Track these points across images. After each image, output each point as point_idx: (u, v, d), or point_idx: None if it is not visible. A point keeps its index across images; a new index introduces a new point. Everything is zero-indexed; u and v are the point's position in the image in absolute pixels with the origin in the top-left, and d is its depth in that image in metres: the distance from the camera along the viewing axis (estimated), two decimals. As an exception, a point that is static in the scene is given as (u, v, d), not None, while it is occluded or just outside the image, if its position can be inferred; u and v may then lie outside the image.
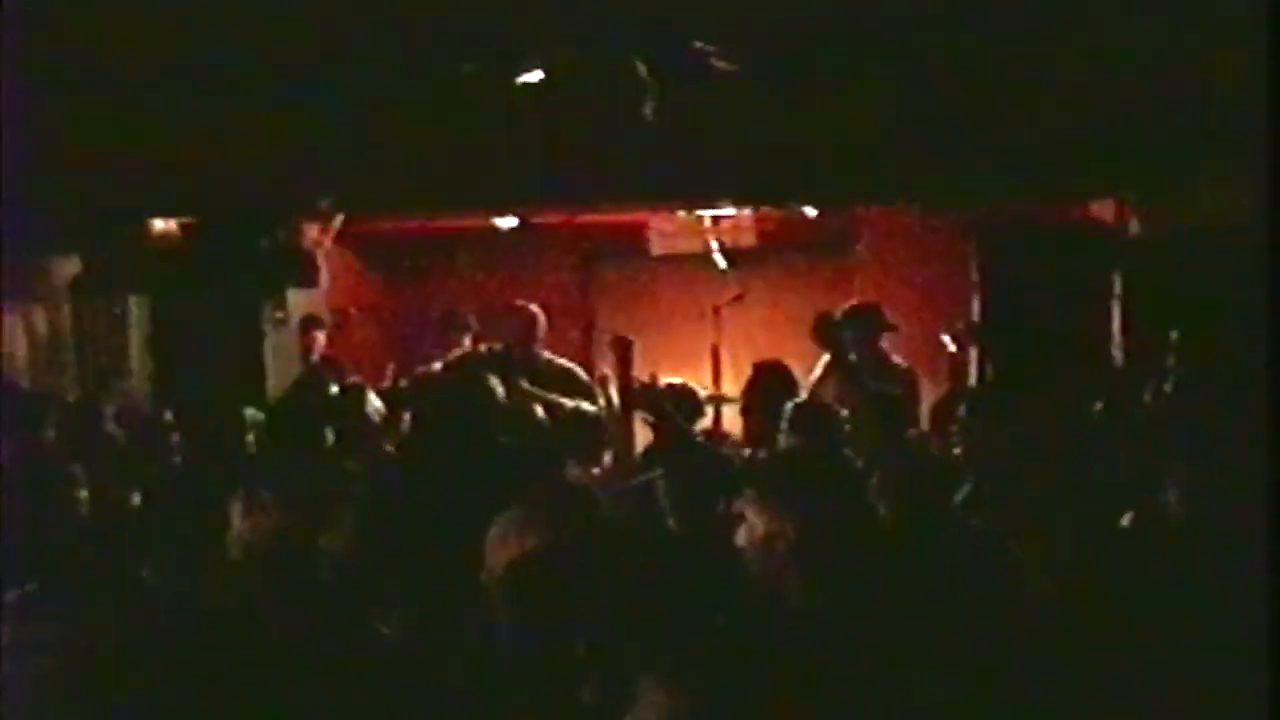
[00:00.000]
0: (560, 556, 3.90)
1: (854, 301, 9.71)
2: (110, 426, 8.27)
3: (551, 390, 9.06)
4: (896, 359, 9.24)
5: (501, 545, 4.04)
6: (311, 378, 10.20)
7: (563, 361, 9.75)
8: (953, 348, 9.92)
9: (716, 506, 5.15)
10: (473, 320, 10.40)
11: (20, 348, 10.34)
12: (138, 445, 7.97)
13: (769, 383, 7.71)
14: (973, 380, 9.94)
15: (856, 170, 9.43)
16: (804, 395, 8.38)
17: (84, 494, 5.90)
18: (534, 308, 9.73)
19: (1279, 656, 3.52)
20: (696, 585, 3.83)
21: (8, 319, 10.20)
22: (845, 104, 9.21)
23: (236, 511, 4.98)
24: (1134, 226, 9.74)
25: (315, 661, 4.06)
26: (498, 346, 9.72)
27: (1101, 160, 9.10)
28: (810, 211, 10.79)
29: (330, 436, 7.61)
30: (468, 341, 10.26)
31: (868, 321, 9.25)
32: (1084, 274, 9.85)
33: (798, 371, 9.05)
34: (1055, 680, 3.88)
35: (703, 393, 8.82)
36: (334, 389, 9.28)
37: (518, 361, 9.33)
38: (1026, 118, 9.10)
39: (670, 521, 5.10)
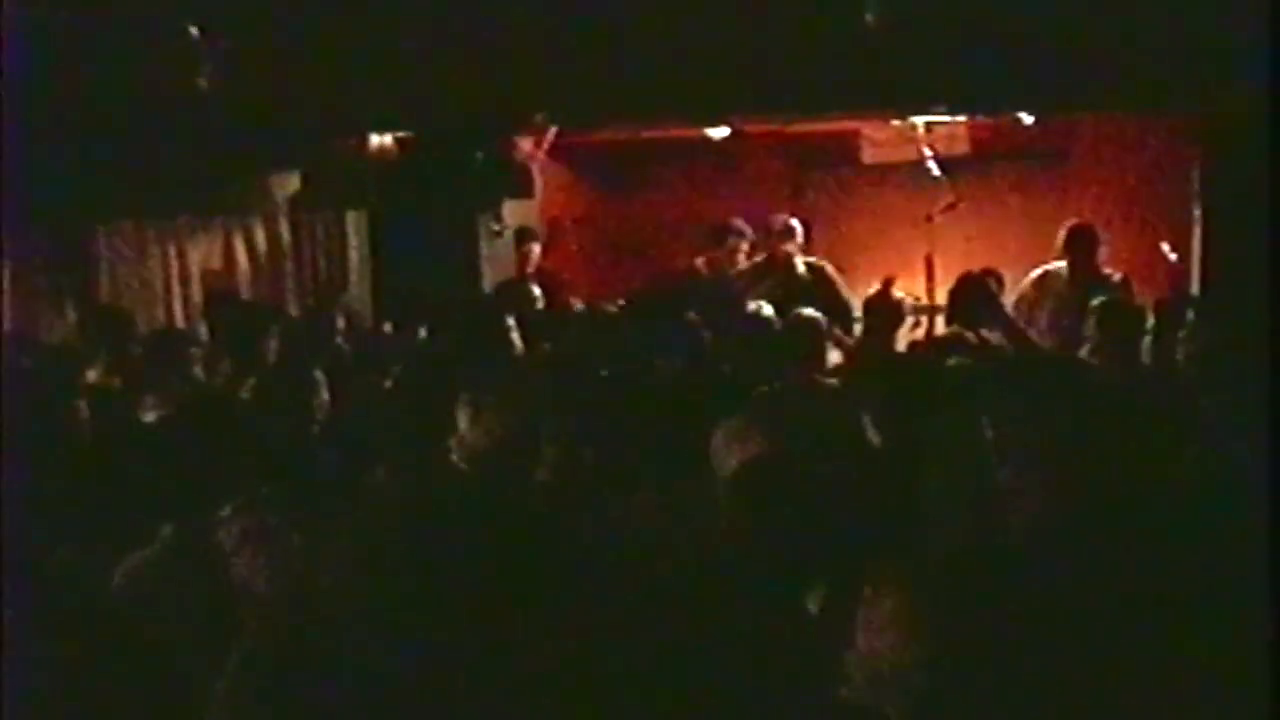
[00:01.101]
0: (785, 462, 3.96)
1: (1074, 222, 9.66)
2: (339, 339, 8.46)
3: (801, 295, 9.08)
4: (1109, 271, 9.29)
5: (727, 450, 4.20)
6: (512, 288, 10.39)
7: (825, 267, 10.15)
8: (1173, 257, 9.85)
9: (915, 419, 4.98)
10: (747, 228, 10.57)
11: (241, 263, 10.75)
12: (361, 357, 8.12)
13: (972, 293, 7.76)
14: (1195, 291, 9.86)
15: (1073, 75, 9.27)
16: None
17: (325, 397, 6.12)
18: (792, 221, 10.10)
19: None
20: (895, 501, 3.92)
21: (231, 235, 10.63)
22: (1061, 6, 9.11)
23: (464, 417, 5.11)
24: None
25: (535, 561, 3.96)
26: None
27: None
28: (1026, 118, 10.71)
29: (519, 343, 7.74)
30: (745, 248, 10.45)
31: (1087, 242, 9.33)
32: None
33: (1012, 278, 9.15)
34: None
35: (908, 300, 8.97)
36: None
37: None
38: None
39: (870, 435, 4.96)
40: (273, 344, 7.95)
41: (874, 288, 9.07)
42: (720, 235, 10.53)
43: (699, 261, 10.70)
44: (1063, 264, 9.37)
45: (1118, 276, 9.24)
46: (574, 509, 4.75)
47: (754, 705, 3.28)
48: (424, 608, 3.42)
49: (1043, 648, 2.98)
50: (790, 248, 10.09)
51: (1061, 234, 9.43)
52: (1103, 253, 9.38)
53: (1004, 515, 3.88)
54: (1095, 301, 7.53)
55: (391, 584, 3.46)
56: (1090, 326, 7.36)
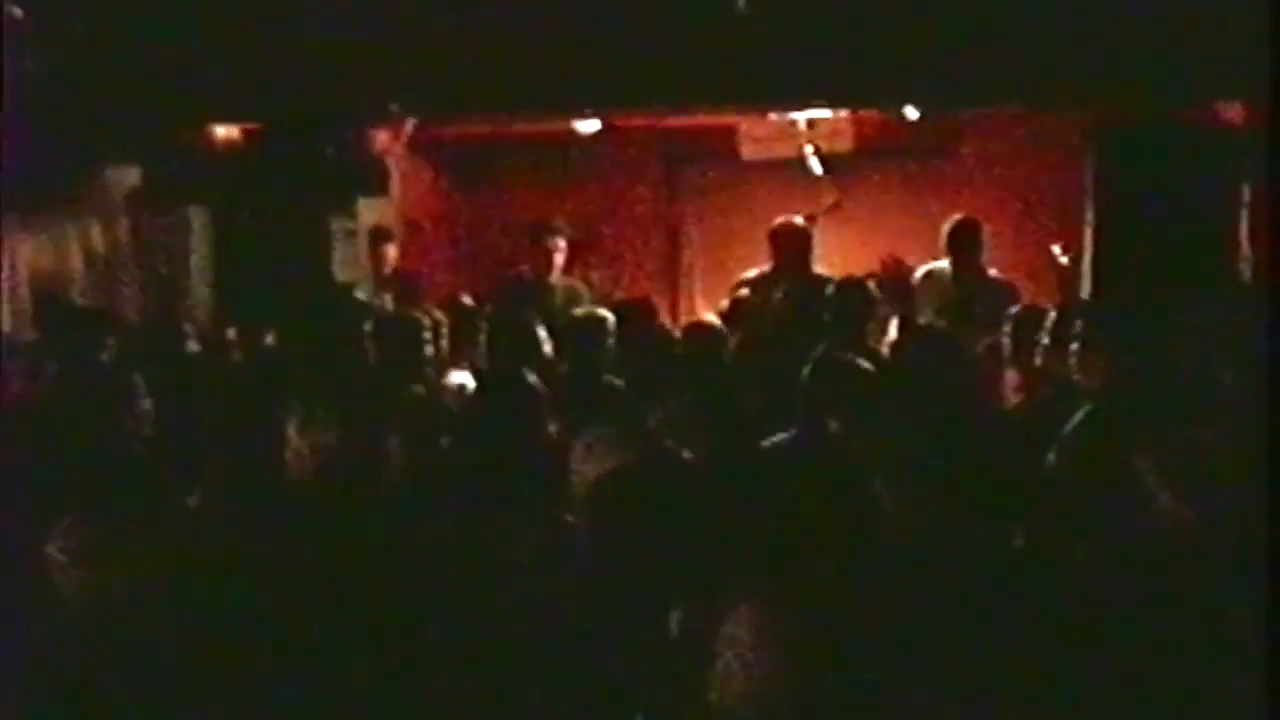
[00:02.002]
0: (642, 475, 3.92)
1: (957, 217, 9.64)
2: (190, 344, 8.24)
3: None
4: (994, 273, 9.32)
5: (586, 461, 4.15)
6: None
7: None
8: (1064, 259, 9.81)
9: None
10: (565, 226, 10.34)
11: (77, 264, 10.40)
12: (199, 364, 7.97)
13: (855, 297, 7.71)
14: (1085, 295, 9.83)
15: (961, 69, 9.29)
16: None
17: (146, 406, 6.02)
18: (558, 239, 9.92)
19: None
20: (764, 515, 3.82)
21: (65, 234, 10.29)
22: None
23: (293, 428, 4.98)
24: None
25: (373, 573, 4.15)
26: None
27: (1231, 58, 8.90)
28: (911, 113, 10.58)
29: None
30: (562, 246, 10.22)
31: (970, 237, 9.34)
32: (1210, 182, 9.63)
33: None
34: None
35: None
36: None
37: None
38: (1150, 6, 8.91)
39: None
40: (105, 353, 7.75)
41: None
42: (537, 235, 10.25)
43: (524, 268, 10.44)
44: (945, 263, 9.38)
45: (1001, 276, 9.30)
46: (419, 522, 4.75)
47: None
48: (244, 617, 3.60)
49: (915, 665, 3.15)
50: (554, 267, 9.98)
51: (945, 228, 9.44)
52: (992, 254, 9.41)
53: (875, 528, 3.88)
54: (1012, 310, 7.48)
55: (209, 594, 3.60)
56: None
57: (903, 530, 3.92)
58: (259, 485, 4.97)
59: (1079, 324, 6.81)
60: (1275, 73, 6.75)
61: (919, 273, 9.53)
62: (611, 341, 7.21)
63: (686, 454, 4.41)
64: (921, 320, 8.86)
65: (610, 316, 7.41)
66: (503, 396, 5.58)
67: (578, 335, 7.32)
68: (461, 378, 7.42)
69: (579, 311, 7.95)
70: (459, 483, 5.01)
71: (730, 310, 8.83)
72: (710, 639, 3.06)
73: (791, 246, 9.66)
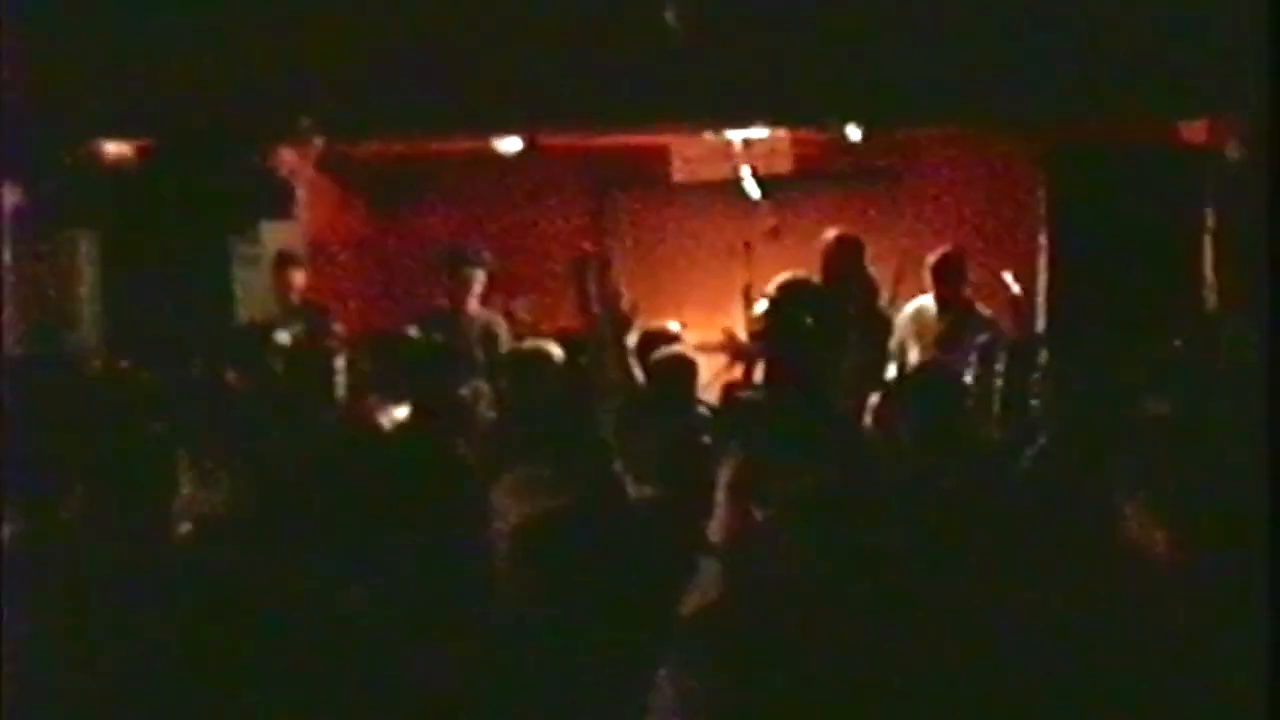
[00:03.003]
0: (576, 518, 3.89)
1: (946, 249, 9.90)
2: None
3: None
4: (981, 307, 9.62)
5: (512, 502, 4.14)
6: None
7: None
8: (1016, 288, 9.72)
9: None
10: (484, 256, 10.14)
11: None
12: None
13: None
14: (1040, 326, 9.81)
15: (906, 88, 9.33)
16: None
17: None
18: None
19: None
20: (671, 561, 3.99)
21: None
22: (894, 12, 9.14)
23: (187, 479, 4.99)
24: (1231, 150, 9.48)
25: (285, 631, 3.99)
26: None
27: (1196, 74, 8.89)
28: (854, 134, 10.49)
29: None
30: (480, 277, 9.97)
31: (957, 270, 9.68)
32: (1170, 206, 9.70)
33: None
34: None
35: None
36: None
37: None
38: (1104, 22, 8.88)
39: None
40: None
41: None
42: (454, 266, 10.15)
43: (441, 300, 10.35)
44: (927, 298, 9.68)
45: (987, 311, 9.58)
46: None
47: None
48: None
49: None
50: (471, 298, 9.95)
51: (930, 261, 9.71)
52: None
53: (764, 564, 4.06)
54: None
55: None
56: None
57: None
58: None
59: (1042, 354, 6.89)
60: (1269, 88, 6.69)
61: (907, 308, 9.70)
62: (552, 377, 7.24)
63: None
64: (912, 355, 9.27)
65: (553, 351, 7.43)
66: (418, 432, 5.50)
67: (515, 370, 7.31)
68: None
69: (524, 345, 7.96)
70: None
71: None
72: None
73: (849, 257, 9.63)
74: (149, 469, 5.06)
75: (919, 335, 9.52)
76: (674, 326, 8.79)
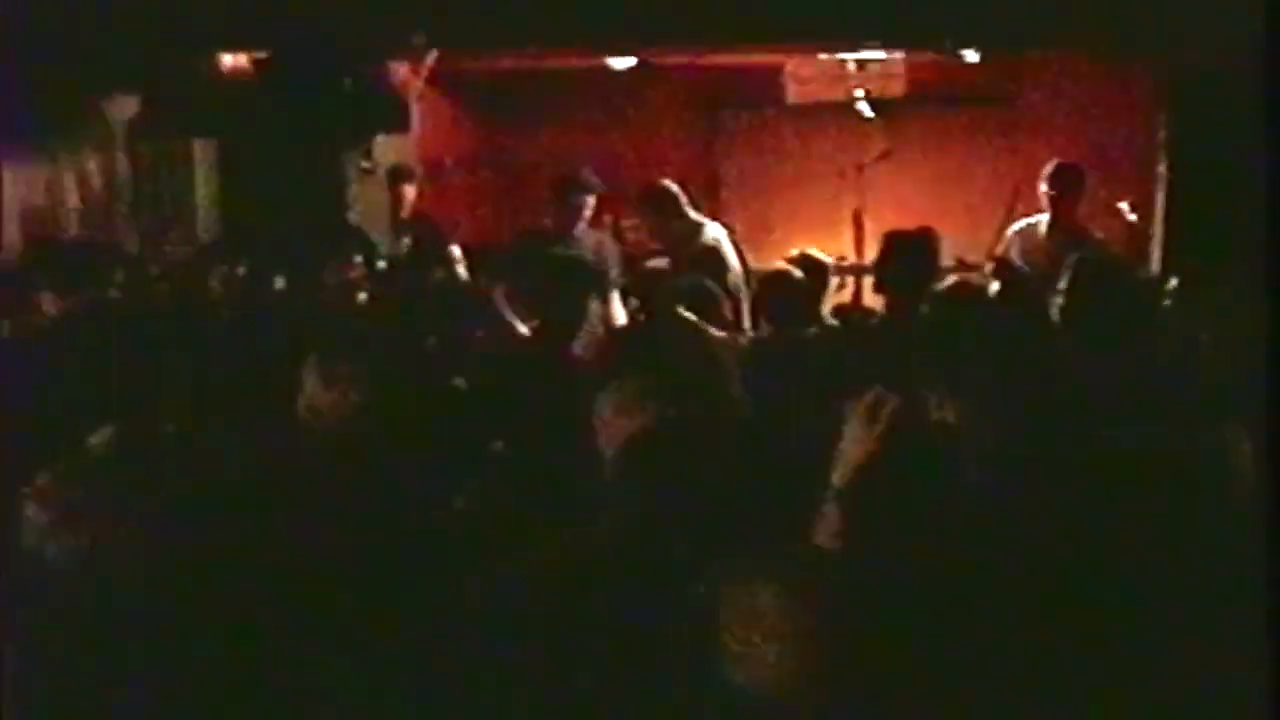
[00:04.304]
0: (683, 432, 3.87)
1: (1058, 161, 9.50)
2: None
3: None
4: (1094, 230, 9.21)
5: (617, 417, 4.04)
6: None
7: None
8: (1132, 217, 9.74)
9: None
10: (595, 181, 10.10)
11: (70, 199, 10.36)
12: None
13: (906, 252, 7.58)
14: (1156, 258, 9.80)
15: (1024, 10, 9.23)
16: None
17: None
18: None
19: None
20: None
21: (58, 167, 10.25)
22: None
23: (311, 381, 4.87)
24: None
25: (388, 538, 4.11)
26: None
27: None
28: (970, 57, 10.56)
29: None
30: (590, 203, 9.97)
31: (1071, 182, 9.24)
32: None
33: (951, 238, 8.96)
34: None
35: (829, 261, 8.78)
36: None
37: None
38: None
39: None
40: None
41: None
42: (564, 191, 9.74)
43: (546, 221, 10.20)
44: (1036, 219, 9.27)
45: (1099, 233, 9.18)
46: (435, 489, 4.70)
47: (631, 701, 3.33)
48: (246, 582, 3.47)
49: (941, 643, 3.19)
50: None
51: (1046, 170, 9.28)
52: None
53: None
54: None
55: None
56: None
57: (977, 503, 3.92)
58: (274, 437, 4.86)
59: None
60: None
61: (1011, 229, 9.42)
62: None
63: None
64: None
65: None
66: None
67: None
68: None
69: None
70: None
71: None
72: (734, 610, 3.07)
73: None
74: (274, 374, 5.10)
75: (1025, 254, 9.09)
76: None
